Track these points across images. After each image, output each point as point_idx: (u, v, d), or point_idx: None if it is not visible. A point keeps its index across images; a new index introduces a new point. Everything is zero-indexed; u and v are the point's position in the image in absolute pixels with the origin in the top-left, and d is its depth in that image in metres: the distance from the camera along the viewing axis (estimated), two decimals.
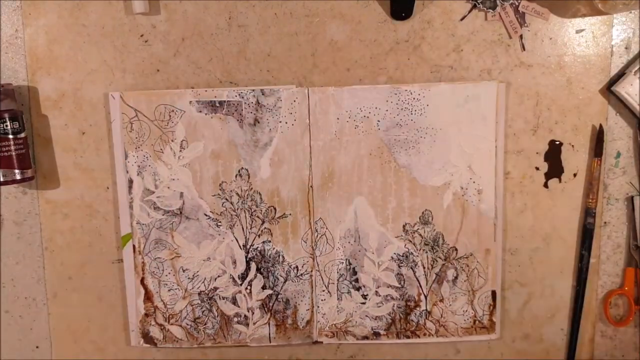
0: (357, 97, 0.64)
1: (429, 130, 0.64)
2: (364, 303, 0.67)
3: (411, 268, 0.67)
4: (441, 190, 0.65)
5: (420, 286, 0.67)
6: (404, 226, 0.66)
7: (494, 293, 0.67)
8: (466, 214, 0.66)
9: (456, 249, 0.66)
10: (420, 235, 0.66)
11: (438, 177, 0.65)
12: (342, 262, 0.66)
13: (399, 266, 0.66)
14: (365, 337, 0.68)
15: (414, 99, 0.63)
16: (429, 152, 0.64)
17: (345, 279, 0.67)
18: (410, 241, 0.66)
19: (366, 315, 0.67)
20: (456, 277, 0.67)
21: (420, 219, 0.66)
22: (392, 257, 0.66)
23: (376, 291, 0.67)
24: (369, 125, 0.64)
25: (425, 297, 0.67)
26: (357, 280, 0.67)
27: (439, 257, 0.66)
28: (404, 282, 0.67)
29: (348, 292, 0.67)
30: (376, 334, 0.68)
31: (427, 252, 0.66)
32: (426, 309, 0.67)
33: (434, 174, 0.65)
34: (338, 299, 0.67)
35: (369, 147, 0.64)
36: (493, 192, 0.65)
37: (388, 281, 0.67)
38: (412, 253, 0.66)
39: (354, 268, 0.67)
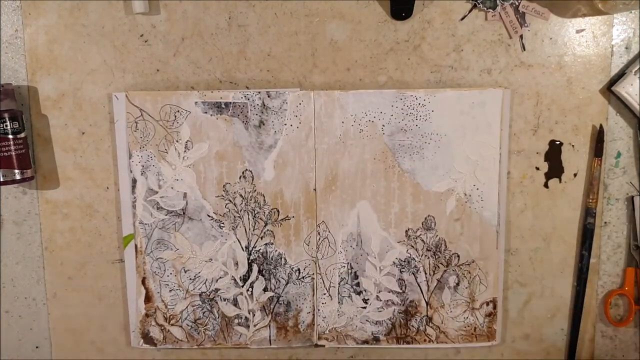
0: (362, 101, 0.63)
1: (434, 136, 0.64)
2: (364, 307, 0.67)
3: (413, 274, 0.66)
4: (444, 197, 0.65)
5: (422, 292, 0.67)
6: (406, 231, 0.66)
7: (494, 300, 0.67)
8: (469, 220, 0.65)
9: (458, 256, 0.66)
10: (422, 240, 0.66)
11: (441, 182, 0.65)
12: (344, 266, 0.66)
13: (401, 271, 0.66)
14: (365, 342, 0.68)
15: (419, 104, 0.63)
16: (433, 158, 0.64)
17: (347, 283, 0.67)
18: (413, 246, 0.66)
19: (367, 320, 0.67)
20: (457, 284, 0.67)
21: (423, 224, 0.65)
22: (394, 262, 0.66)
23: (377, 296, 0.67)
24: (373, 129, 0.64)
25: (427, 303, 0.67)
26: (358, 285, 0.67)
27: (441, 264, 0.66)
28: (405, 288, 0.67)
29: (349, 296, 0.67)
30: (376, 339, 0.68)
31: (429, 257, 0.66)
32: (427, 315, 0.67)
33: (438, 180, 0.65)
34: (339, 302, 0.67)
35: (373, 151, 0.64)
36: (496, 199, 0.65)
37: (389, 286, 0.67)
38: (414, 258, 0.66)
39: (355, 272, 0.66)
